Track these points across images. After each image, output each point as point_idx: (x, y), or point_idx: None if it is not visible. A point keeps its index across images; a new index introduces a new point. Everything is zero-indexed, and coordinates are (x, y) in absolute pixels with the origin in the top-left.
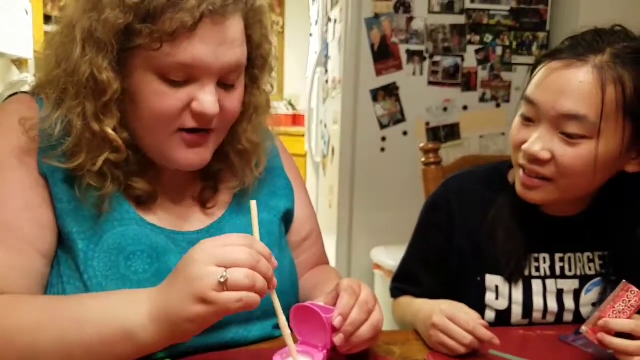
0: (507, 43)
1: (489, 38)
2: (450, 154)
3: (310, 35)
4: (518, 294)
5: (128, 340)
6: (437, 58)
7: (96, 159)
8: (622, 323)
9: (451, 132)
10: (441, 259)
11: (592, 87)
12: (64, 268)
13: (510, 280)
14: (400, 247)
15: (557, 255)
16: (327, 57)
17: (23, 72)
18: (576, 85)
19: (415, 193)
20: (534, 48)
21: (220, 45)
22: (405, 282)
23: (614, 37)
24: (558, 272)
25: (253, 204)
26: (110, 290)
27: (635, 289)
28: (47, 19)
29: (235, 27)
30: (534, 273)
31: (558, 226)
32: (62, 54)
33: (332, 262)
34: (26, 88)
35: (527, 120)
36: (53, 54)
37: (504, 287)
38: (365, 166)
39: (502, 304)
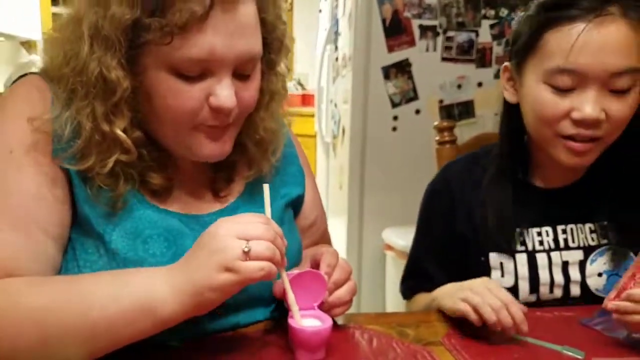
0: None
1: (504, 12)
2: (464, 132)
3: (320, 11)
4: (523, 269)
5: (149, 315)
6: (450, 33)
7: (106, 161)
8: (635, 294)
9: (465, 109)
10: (446, 245)
11: (630, 37)
12: (79, 252)
13: (509, 253)
14: (412, 228)
15: (560, 228)
16: (337, 33)
17: (32, 54)
18: (618, 41)
19: (428, 173)
20: None
21: (233, 34)
22: (415, 279)
23: None
24: (562, 244)
25: (266, 187)
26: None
27: None
28: (55, 0)
29: (248, 12)
30: (537, 247)
31: (555, 198)
32: (70, 50)
33: (343, 243)
34: (34, 70)
35: (562, 91)
36: (60, 49)
37: (508, 264)
38: (377, 146)
39: (508, 281)
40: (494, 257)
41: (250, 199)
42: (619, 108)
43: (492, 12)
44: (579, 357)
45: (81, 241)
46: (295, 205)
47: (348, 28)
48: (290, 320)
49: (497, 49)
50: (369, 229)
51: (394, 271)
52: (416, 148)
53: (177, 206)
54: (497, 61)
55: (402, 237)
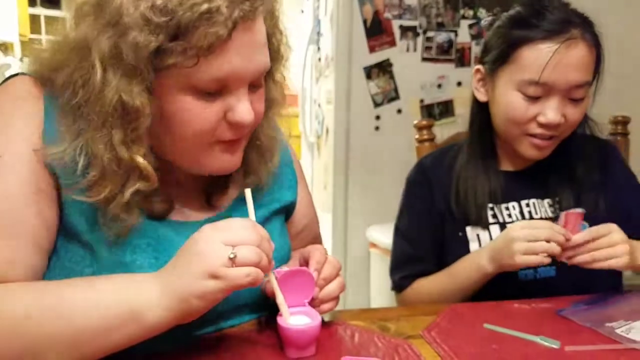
0: None
1: (482, 13)
2: (444, 131)
3: (302, 12)
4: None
5: (135, 321)
6: (430, 33)
7: (124, 190)
8: (579, 235)
9: (445, 109)
10: (430, 227)
11: (589, 56)
12: (64, 260)
13: (481, 224)
14: None
15: (524, 202)
16: (319, 34)
17: (8, 56)
18: (581, 59)
19: None
20: None
21: (252, 51)
22: (405, 266)
23: (555, 3)
24: (527, 215)
25: (247, 191)
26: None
27: (572, 210)
28: (32, 1)
29: (261, 28)
30: (507, 219)
31: (516, 178)
32: (79, 79)
33: (329, 242)
34: (12, 71)
35: (532, 98)
36: (65, 76)
37: (484, 235)
38: (360, 145)
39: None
40: (470, 231)
41: (244, 204)
42: (575, 112)
43: (470, 13)
44: (555, 346)
45: (66, 248)
46: (288, 210)
47: (330, 29)
48: (279, 319)
49: (476, 49)
50: (354, 227)
51: (379, 268)
52: (398, 147)
53: (172, 214)
54: (476, 61)
55: (387, 235)
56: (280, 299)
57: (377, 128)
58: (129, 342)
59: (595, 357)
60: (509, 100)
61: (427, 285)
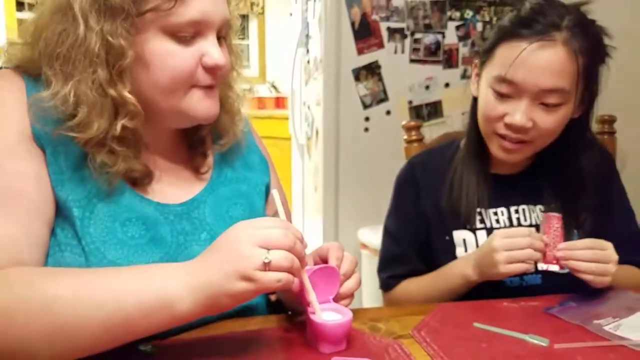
0: (487, 18)
1: (469, 14)
2: (433, 132)
3: (291, 14)
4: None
5: (166, 309)
6: (418, 35)
7: (114, 125)
8: (583, 242)
9: (434, 110)
10: (417, 229)
11: (566, 62)
12: (60, 237)
13: (469, 224)
14: None
15: (512, 208)
16: (307, 36)
17: None
18: (554, 63)
19: None
20: None
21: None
22: (392, 265)
23: (558, 9)
24: (515, 222)
25: (275, 192)
26: (109, 255)
27: (552, 214)
28: (20, 5)
29: None
30: (495, 225)
31: (508, 183)
32: (64, 31)
33: (320, 243)
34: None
35: (503, 96)
36: (51, 35)
37: (471, 239)
38: (350, 147)
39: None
40: (457, 235)
41: (219, 183)
42: (546, 120)
43: (457, 14)
44: (544, 344)
45: (62, 226)
46: (259, 189)
47: (318, 31)
48: (312, 316)
49: (463, 50)
50: (345, 228)
51: (370, 269)
52: (388, 148)
53: (156, 194)
54: (464, 62)
55: (377, 236)
56: (312, 297)
57: (366, 129)
58: (157, 329)
59: (583, 354)
60: (484, 95)
61: (412, 288)
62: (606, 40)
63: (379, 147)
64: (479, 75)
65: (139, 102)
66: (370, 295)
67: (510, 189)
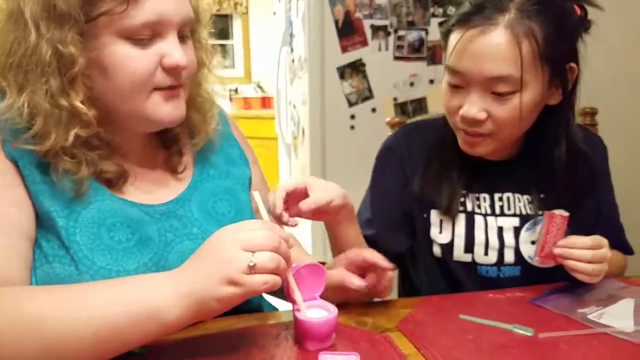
0: None
1: (452, 10)
2: None
3: (274, 13)
4: (460, 228)
5: (155, 319)
6: (401, 32)
7: (67, 135)
8: (582, 240)
9: (419, 106)
10: (399, 199)
11: (509, 47)
12: (46, 248)
13: (449, 214)
14: None
15: (496, 195)
16: (291, 35)
17: None
18: (495, 49)
19: None
20: None
21: None
22: (361, 228)
23: None
24: (498, 210)
25: (256, 194)
26: (99, 261)
27: (557, 212)
28: None
29: None
30: (476, 210)
31: (494, 169)
32: (15, 40)
33: (308, 241)
34: None
35: (456, 87)
36: (4, 43)
37: (447, 222)
38: (336, 145)
39: (445, 238)
40: (434, 214)
41: (202, 179)
42: (500, 110)
43: (440, 11)
44: (529, 334)
45: (46, 238)
46: (240, 184)
47: (302, 30)
48: (297, 314)
49: None
50: None
51: None
52: (374, 145)
53: (135, 194)
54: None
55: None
56: (297, 295)
57: (352, 127)
58: (148, 339)
59: (568, 342)
60: (443, 87)
61: None
62: (588, 14)
63: (365, 144)
64: None
65: (100, 107)
66: None
67: (495, 175)
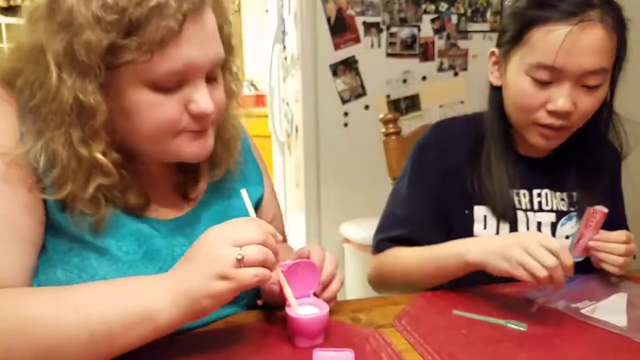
0: (462, 11)
1: (444, 7)
2: (412, 125)
3: (267, 11)
4: (505, 224)
5: (149, 320)
6: (394, 29)
7: (87, 186)
8: (617, 235)
9: (412, 103)
10: (437, 194)
11: (608, 41)
12: (52, 253)
13: (504, 216)
14: (369, 220)
15: (535, 191)
16: (284, 33)
17: None
18: (597, 44)
19: (380, 166)
20: (488, 14)
21: (204, 42)
22: (391, 228)
23: None
24: (536, 206)
25: (243, 191)
26: (102, 271)
27: (598, 208)
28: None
29: (211, 18)
30: (517, 206)
31: (533, 165)
32: (36, 81)
33: (303, 239)
34: None
35: (542, 83)
36: (24, 85)
37: (491, 218)
38: (330, 142)
39: (490, 233)
40: (478, 210)
41: (213, 197)
42: (588, 102)
43: (432, 7)
44: (522, 329)
45: (53, 243)
46: (256, 205)
47: (294, 27)
48: (288, 310)
49: (439, 43)
50: (327, 224)
51: (353, 263)
52: (367, 142)
53: (149, 212)
54: (439, 55)
55: (360, 230)
56: (288, 291)
57: (345, 124)
58: (142, 341)
59: (561, 337)
60: (518, 84)
61: (405, 256)
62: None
63: (359, 141)
64: (498, 63)
65: (123, 148)
66: (354, 289)
67: (533, 172)
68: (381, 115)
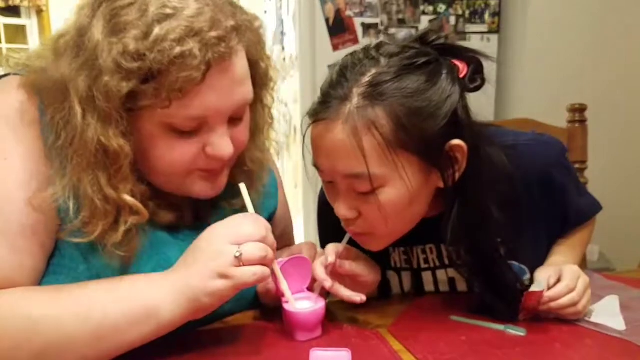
0: (460, 12)
1: (442, 8)
2: None
3: (265, 12)
4: (408, 285)
5: (152, 317)
6: (392, 30)
7: (118, 227)
8: (561, 288)
9: None
10: None
11: (350, 143)
12: (67, 260)
13: (396, 269)
14: None
15: (443, 246)
16: (282, 34)
17: None
18: (338, 146)
19: None
20: (487, 16)
21: (230, 89)
22: None
23: (363, 67)
24: (446, 261)
25: (242, 186)
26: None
27: (533, 289)
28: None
29: (242, 63)
30: (422, 265)
31: (431, 224)
32: (61, 120)
33: (301, 239)
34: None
35: (329, 182)
36: (49, 118)
37: (394, 279)
38: None
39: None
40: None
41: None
42: (369, 209)
43: (430, 8)
44: (521, 334)
45: (69, 249)
46: (270, 216)
47: (293, 28)
48: (286, 306)
49: None
50: None
51: None
52: None
53: (166, 217)
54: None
55: None
56: (284, 287)
57: None
58: (145, 339)
59: (561, 341)
60: None
61: None
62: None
63: None
64: None
65: (146, 184)
66: None
67: (431, 229)
68: None
